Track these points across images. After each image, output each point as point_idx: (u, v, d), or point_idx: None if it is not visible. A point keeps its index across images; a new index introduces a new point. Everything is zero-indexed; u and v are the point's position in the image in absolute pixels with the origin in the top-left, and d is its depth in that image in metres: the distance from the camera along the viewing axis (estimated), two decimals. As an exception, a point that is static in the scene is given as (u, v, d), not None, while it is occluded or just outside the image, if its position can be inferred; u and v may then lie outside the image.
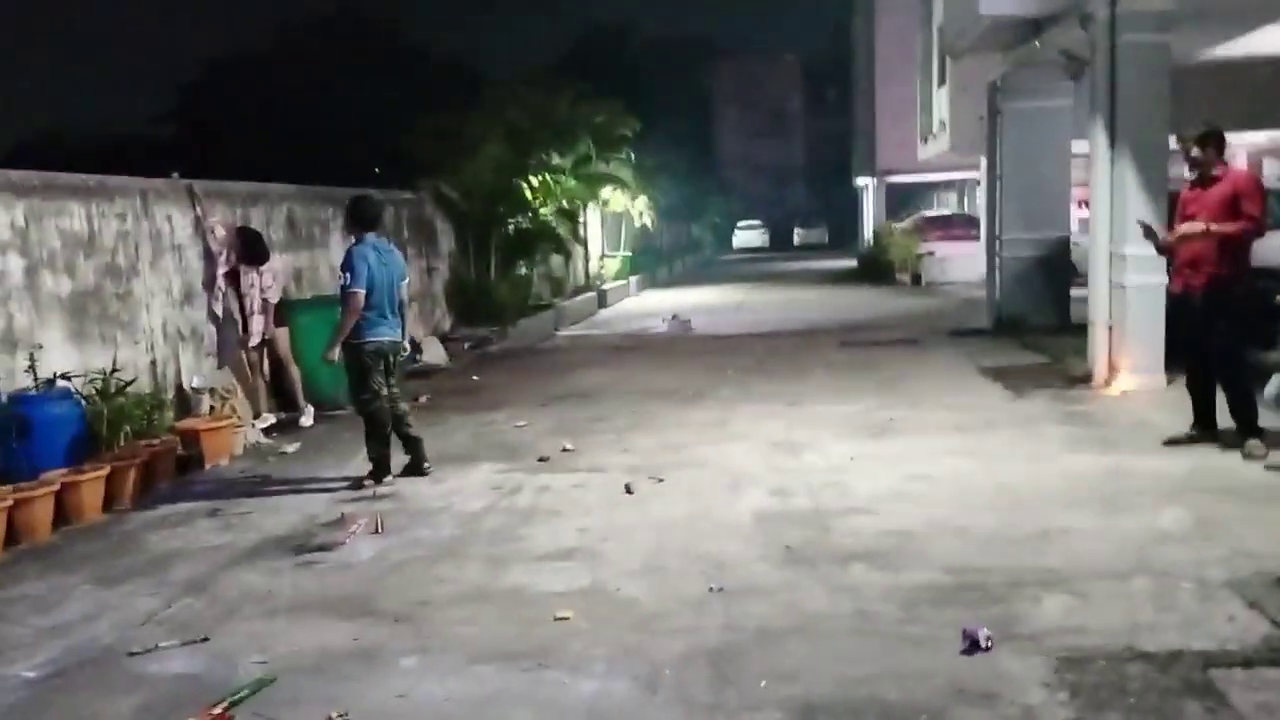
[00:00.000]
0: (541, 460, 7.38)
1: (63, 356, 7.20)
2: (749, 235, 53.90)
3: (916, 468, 6.65)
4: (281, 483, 7.16)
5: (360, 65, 29.29)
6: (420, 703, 3.72)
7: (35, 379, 6.82)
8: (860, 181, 38.26)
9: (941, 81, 21.56)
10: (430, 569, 5.15)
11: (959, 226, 25.65)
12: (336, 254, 11.74)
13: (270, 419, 9.17)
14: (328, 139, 26.58)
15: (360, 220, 7.02)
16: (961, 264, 21.79)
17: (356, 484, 6.89)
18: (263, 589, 4.98)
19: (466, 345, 13.93)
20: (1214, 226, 6.42)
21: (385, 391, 7.00)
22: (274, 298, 9.26)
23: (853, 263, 31.91)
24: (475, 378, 11.68)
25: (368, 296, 6.75)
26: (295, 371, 9.39)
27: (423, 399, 10.22)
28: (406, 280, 7.25)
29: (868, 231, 34.41)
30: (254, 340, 9.18)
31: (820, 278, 28.27)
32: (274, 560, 5.43)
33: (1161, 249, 7.02)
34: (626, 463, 7.17)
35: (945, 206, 35.46)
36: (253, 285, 9.10)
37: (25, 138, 35.57)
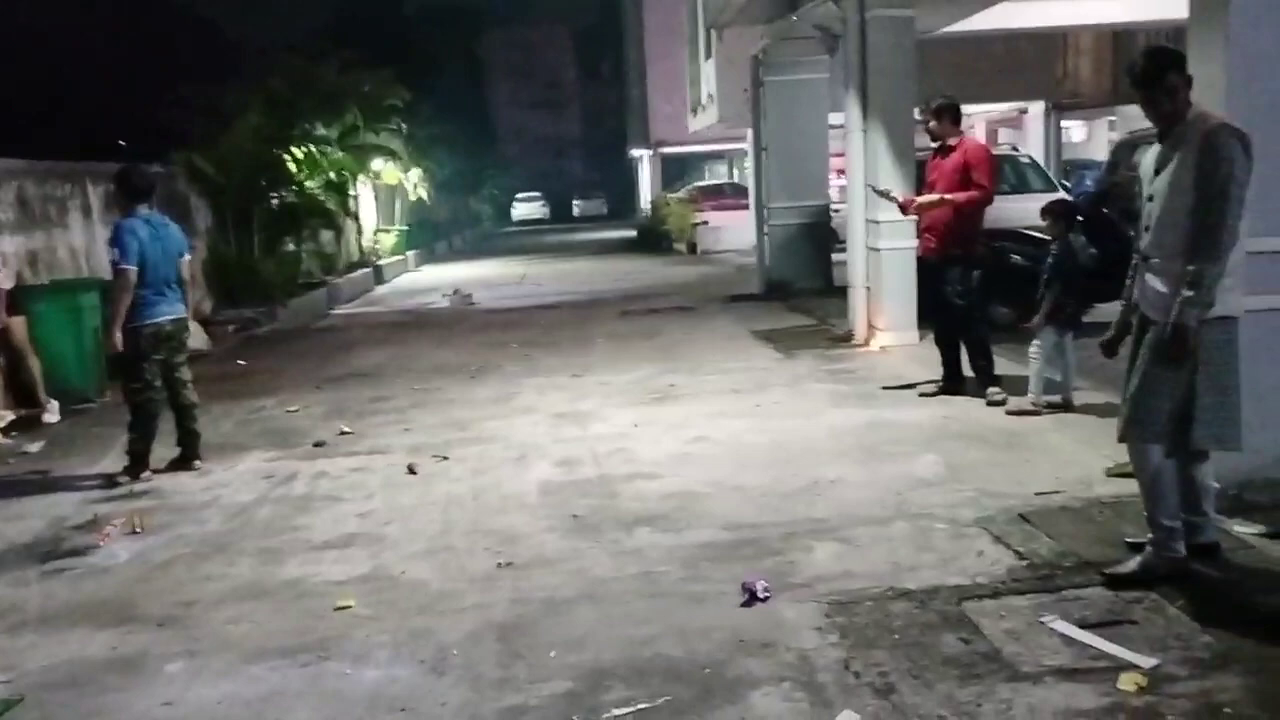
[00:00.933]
0: (317, 445, 7.10)
1: None
2: (528, 208, 53.65)
3: (696, 430, 6.84)
4: (24, 485, 6.54)
5: (105, 30, 26.96)
6: (190, 709, 3.50)
7: None
8: (635, 153, 38.91)
9: (709, 55, 22.15)
10: (197, 567, 4.85)
11: (730, 196, 26.53)
12: (77, 235, 10.85)
13: (7, 416, 8.36)
14: (66, 109, 24.34)
15: (129, 192, 6.52)
16: (733, 233, 22.54)
17: (110, 481, 6.39)
18: (6, 602, 4.55)
19: (231, 328, 13.16)
20: (947, 196, 6.93)
21: (167, 378, 6.52)
22: (5, 284, 8.42)
23: (632, 233, 32.45)
24: (241, 362, 11.09)
25: (141, 274, 6.24)
26: (35, 363, 8.58)
27: (185, 387, 9.57)
28: (187, 255, 6.72)
29: (645, 202, 35.04)
30: None
31: (601, 248, 28.55)
32: (18, 570, 4.96)
33: (905, 210, 7.54)
34: (409, 442, 7.00)
35: (717, 177, 36.58)
36: None
37: None
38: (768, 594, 4.02)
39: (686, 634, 3.79)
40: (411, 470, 6.30)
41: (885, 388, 7.74)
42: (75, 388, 8.98)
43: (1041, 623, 3.66)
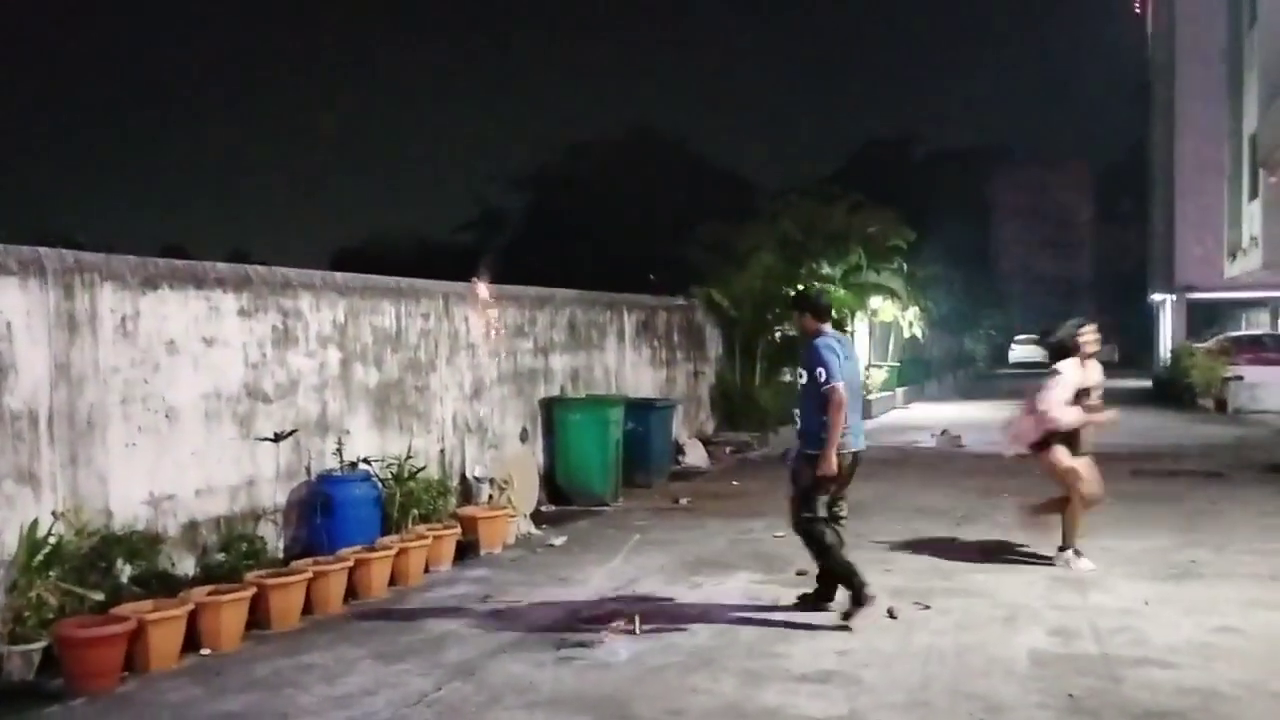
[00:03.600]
0: (800, 574, 7.20)
1: (365, 441, 7.88)
2: (1027, 349, 51.12)
3: (1223, 618, 5.95)
4: (548, 575, 7.39)
5: (646, 178, 30.87)
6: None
7: (341, 461, 7.49)
8: (1156, 297, 35.68)
9: (1254, 194, 19.88)
10: (685, 678, 5.11)
11: (1272, 349, 23.21)
12: (611, 356, 12.26)
13: (527, 509, 9.55)
14: (609, 246, 28.04)
15: (818, 311, 6.43)
16: (1274, 391, 19.63)
17: (843, 625, 5.95)
18: (525, 680, 5.12)
19: (728, 449, 14.01)
20: None
21: (833, 511, 6.26)
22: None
23: (1147, 383, 29.54)
24: (735, 483, 11.69)
25: None
26: None
27: (683, 501, 10.32)
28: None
29: (1164, 350, 31.87)
30: None
31: (1110, 398, 26.18)
32: (537, 652, 5.58)
33: None
34: (890, 584, 6.86)
35: (1255, 327, 32.25)
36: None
37: (346, 245, 39.83)
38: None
39: None
40: (891, 614, 6.16)
41: None
42: (597, 492, 10.06)
43: None
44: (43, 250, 5.71)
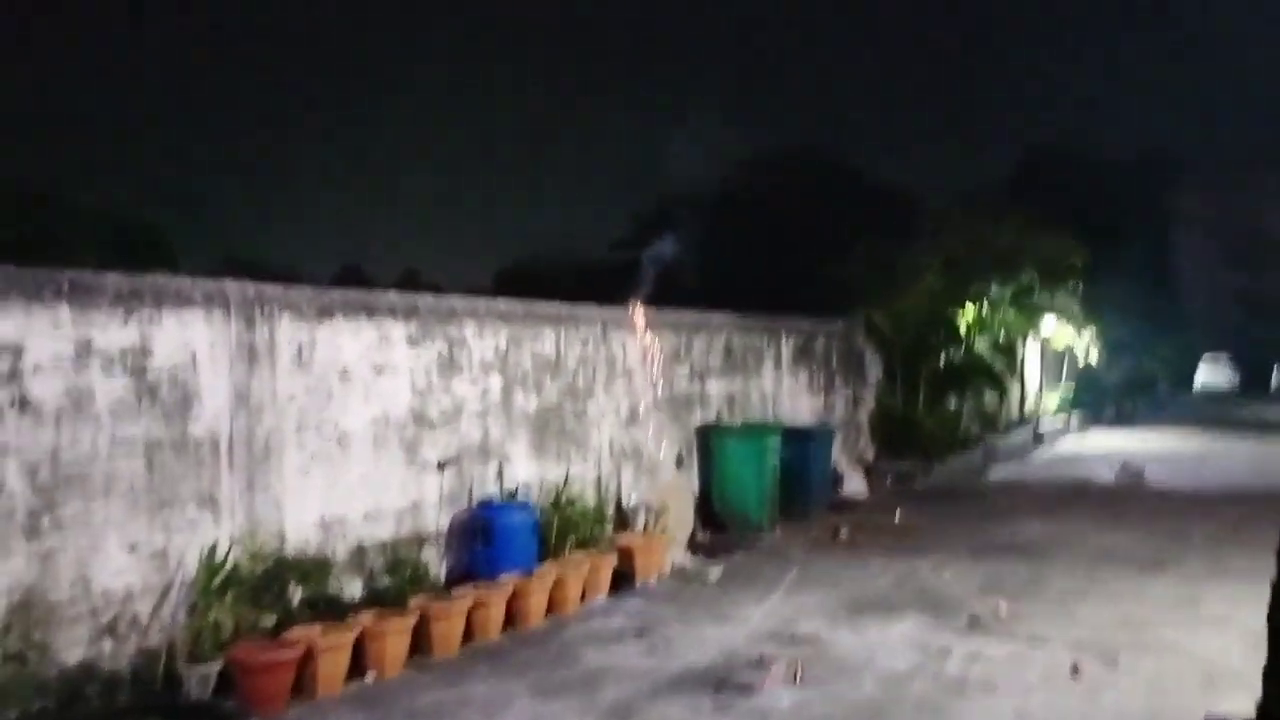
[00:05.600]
0: (972, 620, 6.83)
1: (524, 468, 7.94)
2: (1214, 374, 47.95)
3: None
4: (705, 609, 7.24)
5: (805, 195, 30.52)
6: None
7: (501, 487, 7.56)
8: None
9: None
10: (851, 733, 4.87)
11: None
12: (768, 382, 12.03)
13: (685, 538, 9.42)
14: (767, 265, 27.78)
15: None
16: None
17: None
18: (683, 725, 4.99)
19: (889, 479, 13.53)
20: None
21: None
22: None
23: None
24: (898, 515, 11.24)
25: None
26: None
27: (843, 533, 9.99)
28: None
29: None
30: None
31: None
32: (694, 695, 5.43)
33: None
34: (1072, 636, 6.42)
35: None
36: None
37: (508, 264, 40.93)
38: None
39: None
40: (1075, 671, 5.74)
41: None
42: (753, 521, 9.86)
43: None
44: (226, 282, 5.96)
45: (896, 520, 10.94)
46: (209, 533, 5.60)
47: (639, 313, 9.65)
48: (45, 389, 4.96)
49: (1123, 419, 27.50)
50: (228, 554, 5.60)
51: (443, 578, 7.08)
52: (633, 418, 9.42)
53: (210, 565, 5.48)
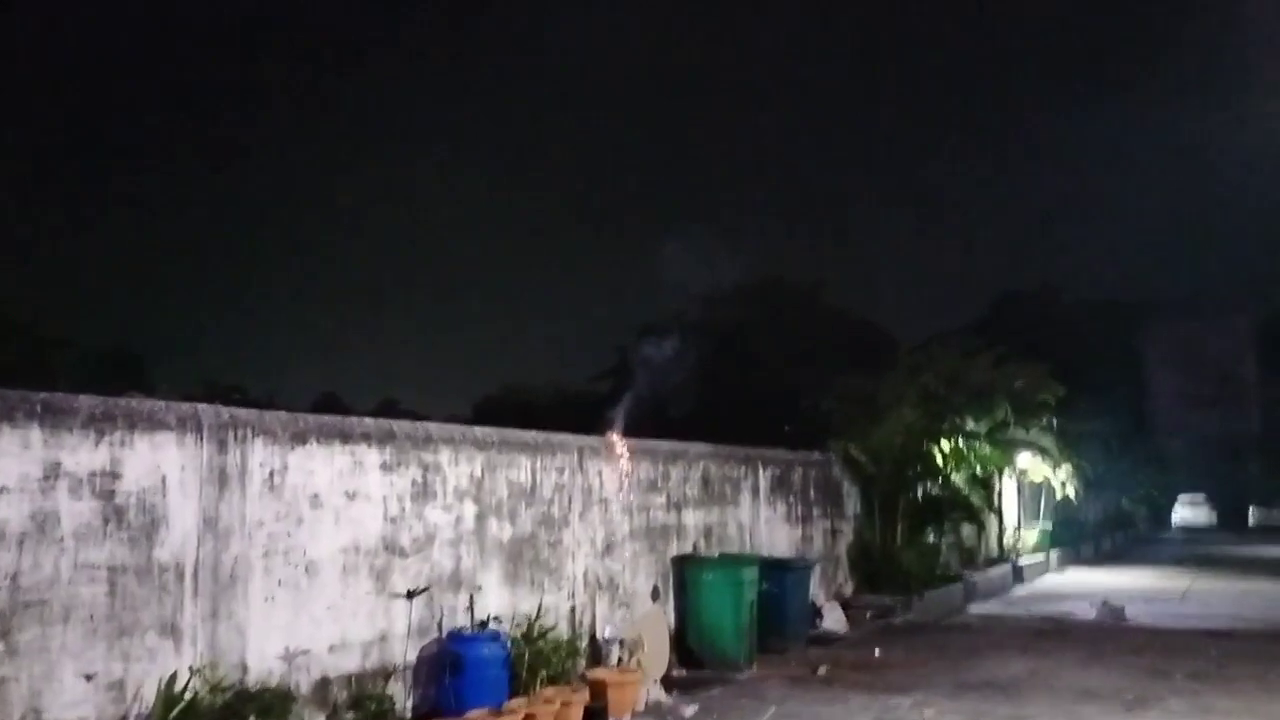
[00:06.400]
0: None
1: (496, 598, 7.80)
2: (1191, 512, 48.15)
3: None
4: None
5: (781, 328, 31.01)
6: None
7: (472, 618, 7.41)
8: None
9: None
10: None
11: None
12: (745, 513, 11.98)
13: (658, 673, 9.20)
14: (744, 396, 27.98)
15: None
16: None
17: None
18: None
19: (868, 614, 13.33)
20: None
21: None
22: None
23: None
24: (877, 651, 11.04)
25: None
26: None
27: (822, 670, 9.79)
28: None
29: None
30: None
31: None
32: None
33: None
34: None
35: None
36: None
37: (488, 394, 41.03)
38: None
39: None
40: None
41: None
42: (729, 656, 9.66)
43: None
44: (200, 406, 5.97)
45: (876, 656, 10.74)
46: (169, 662, 5.44)
47: (616, 441, 9.67)
48: (9, 510, 4.89)
49: (1102, 557, 27.38)
50: (187, 685, 5.43)
51: (409, 713, 6.87)
52: (608, 548, 9.33)
53: (168, 697, 5.31)
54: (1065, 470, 22.24)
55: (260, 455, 6.13)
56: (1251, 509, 48.58)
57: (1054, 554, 22.92)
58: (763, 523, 12.42)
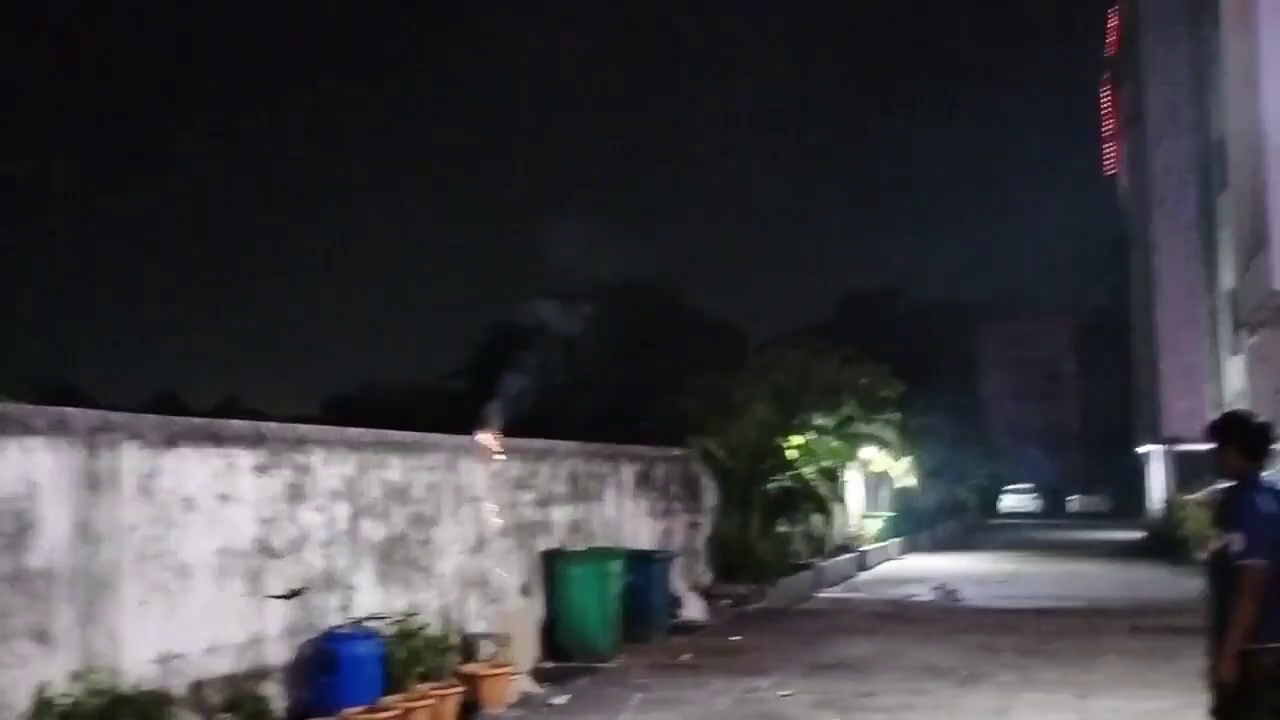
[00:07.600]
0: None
1: (371, 597, 7.87)
2: (1018, 500, 51.33)
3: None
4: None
5: (640, 328, 31.58)
6: None
7: (346, 617, 7.47)
8: (1143, 449, 36.01)
9: (1234, 350, 20.44)
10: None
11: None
12: (610, 508, 12.32)
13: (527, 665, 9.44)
14: (604, 396, 28.41)
15: (1251, 447, 4.46)
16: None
17: None
18: None
19: (726, 602, 13.90)
20: None
21: None
22: None
23: (1137, 535, 29.55)
24: (736, 638, 11.58)
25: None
26: None
27: (684, 657, 10.23)
28: None
29: (1154, 501, 31.98)
30: None
31: (1102, 550, 26.25)
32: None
33: None
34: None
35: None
36: None
37: (336, 392, 40.18)
38: None
39: None
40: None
41: None
42: (597, 647, 9.97)
43: None
44: (70, 410, 5.88)
45: (735, 641, 11.27)
46: (42, 669, 5.36)
47: (487, 441, 9.83)
48: (-127, 519, 4.75)
49: (938, 543, 29.01)
50: (60, 691, 5.36)
51: (285, 713, 6.90)
52: (479, 545, 9.49)
53: (41, 703, 5.23)
54: (905, 462, 23.56)
55: (132, 459, 6.06)
56: (1073, 497, 52.15)
57: (895, 542, 24.21)
58: (627, 517, 12.79)
